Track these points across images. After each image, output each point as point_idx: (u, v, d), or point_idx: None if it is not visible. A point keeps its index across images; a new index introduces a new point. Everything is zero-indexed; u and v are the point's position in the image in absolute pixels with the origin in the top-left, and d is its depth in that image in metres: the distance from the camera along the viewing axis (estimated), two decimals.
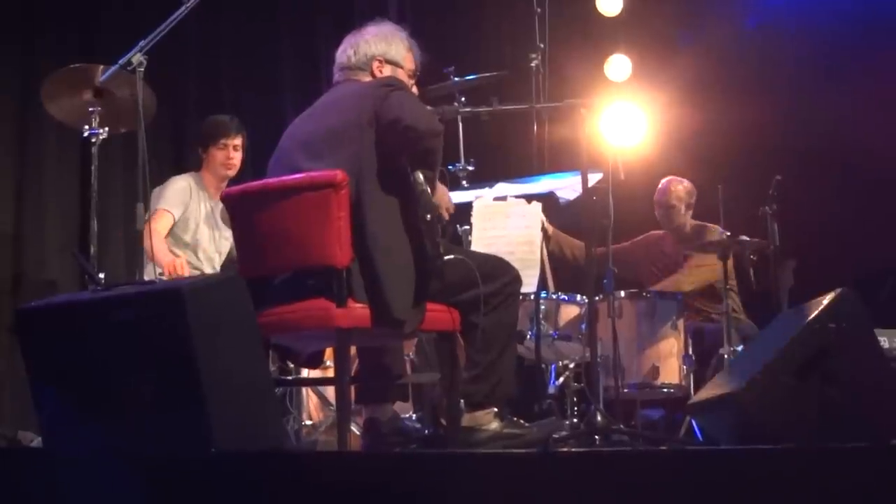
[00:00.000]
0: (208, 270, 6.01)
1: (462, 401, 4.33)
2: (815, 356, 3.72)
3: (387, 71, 4.47)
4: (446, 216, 4.31)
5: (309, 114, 4.45)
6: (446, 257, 4.17)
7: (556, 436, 4.36)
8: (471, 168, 6.02)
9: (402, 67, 4.51)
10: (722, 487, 2.83)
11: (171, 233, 5.97)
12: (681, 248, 6.91)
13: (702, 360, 6.32)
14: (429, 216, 4.09)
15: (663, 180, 7.10)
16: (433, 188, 4.23)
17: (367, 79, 4.45)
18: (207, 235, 6.03)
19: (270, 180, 4.26)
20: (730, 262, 6.36)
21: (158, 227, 5.86)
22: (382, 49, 4.50)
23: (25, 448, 5.16)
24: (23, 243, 6.66)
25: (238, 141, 6.15)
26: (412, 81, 4.57)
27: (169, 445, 3.38)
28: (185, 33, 6.51)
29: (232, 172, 6.15)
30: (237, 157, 6.16)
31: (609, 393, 5.83)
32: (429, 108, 4.71)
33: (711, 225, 6.92)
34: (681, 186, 7.05)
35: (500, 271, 4.38)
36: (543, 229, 5.36)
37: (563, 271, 6.22)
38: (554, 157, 6.01)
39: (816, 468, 2.84)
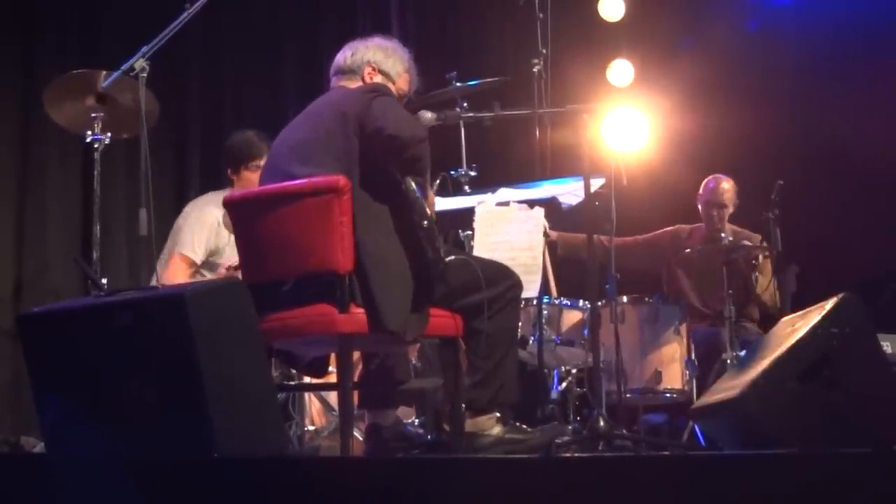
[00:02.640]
0: None
1: (464, 406, 4.33)
2: (817, 361, 3.72)
3: (377, 79, 4.46)
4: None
5: (297, 121, 4.44)
6: (448, 259, 4.17)
7: (558, 441, 4.36)
8: (473, 173, 6.02)
9: (393, 83, 4.50)
10: (725, 493, 2.83)
11: (208, 263, 5.90)
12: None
13: (704, 365, 6.32)
14: (425, 223, 4.09)
15: (710, 179, 7.07)
16: (426, 194, 4.23)
17: (357, 84, 4.44)
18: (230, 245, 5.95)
19: (272, 186, 4.26)
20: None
21: (177, 278, 5.70)
22: (379, 58, 4.50)
23: (28, 454, 5.17)
24: (25, 249, 6.66)
25: None
26: (402, 103, 4.54)
27: (171, 450, 3.38)
28: (188, 39, 6.52)
29: None
30: None
31: (612, 398, 5.83)
32: (427, 113, 4.71)
33: (754, 235, 6.89)
34: (729, 185, 7.03)
35: (501, 276, 4.38)
36: (546, 235, 5.36)
37: (571, 272, 6.21)
38: (556, 163, 6.01)
39: (819, 473, 2.84)
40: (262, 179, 4.39)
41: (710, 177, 7.10)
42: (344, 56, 4.52)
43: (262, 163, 5.81)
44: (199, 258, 5.81)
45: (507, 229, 5.26)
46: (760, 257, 6.69)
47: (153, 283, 5.63)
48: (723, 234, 6.70)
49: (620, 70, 8.20)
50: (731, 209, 7.02)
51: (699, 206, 7.09)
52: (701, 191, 7.10)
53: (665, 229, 7.23)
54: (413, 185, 4.12)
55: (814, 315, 3.87)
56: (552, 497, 2.90)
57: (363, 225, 4.05)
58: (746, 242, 6.58)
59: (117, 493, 3.14)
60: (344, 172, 4.07)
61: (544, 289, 5.49)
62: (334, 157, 4.13)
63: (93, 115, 5.43)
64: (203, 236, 5.82)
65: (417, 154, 4.15)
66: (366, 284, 4.01)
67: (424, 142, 4.19)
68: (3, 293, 6.52)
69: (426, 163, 4.20)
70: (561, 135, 5.75)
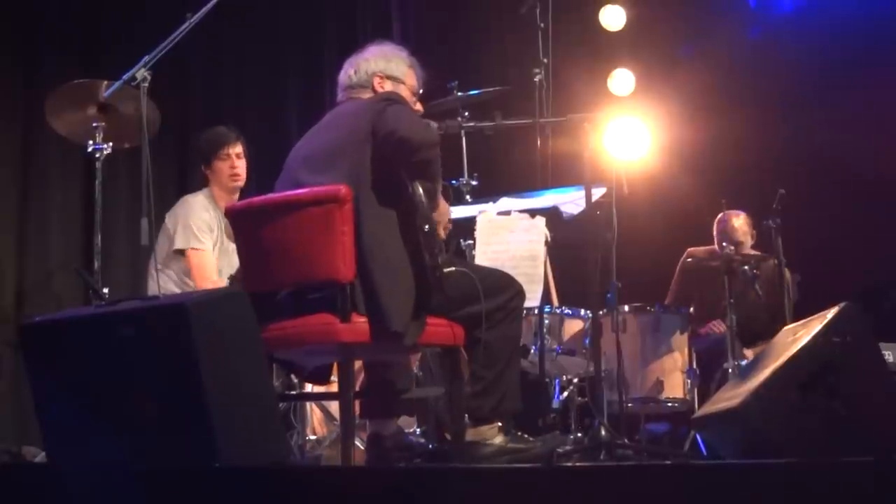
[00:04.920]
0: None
1: (466, 415, 4.33)
2: (819, 370, 3.73)
3: (388, 86, 4.49)
4: (443, 234, 4.31)
5: (312, 132, 4.48)
6: (447, 270, 4.17)
7: (560, 450, 4.36)
8: (474, 183, 6.03)
9: (403, 84, 4.53)
10: (726, 502, 2.83)
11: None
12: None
13: (706, 375, 6.32)
14: (427, 227, 4.09)
15: (721, 215, 7.08)
16: (436, 201, 4.24)
17: (369, 95, 4.47)
18: (223, 251, 5.99)
19: (274, 195, 4.27)
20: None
21: (207, 270, 5.77)
22: (382, 66, 4.53)
23: (29, 463, 5.16)
24: (27, 259, 6.66)
25: (239, 149, 6.00)
26: (415, 99, 4.58)
27: (173, 460, 3.37)
28: (189, 49, 6.52)
29: (240, 183, 5.99)
30: (241, 166, 5.99)
31: (613, 407, 5.82)
32: (432, 122, 4.72)
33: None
34: (741, 220, 7.02)
35: (503, 286, 4.38)
36: (546, 244, 5.36)
37: (572, 281, 6.20)
38: (557, 172, 6.01)
39: (820, 482, 2.84)
40: (276, 189, 4.40)
41: (722, 213, 7.10)
42: (348, 74, 4.55)
43: (232, 150, 5.92)
44: (210, 244, 5.87)
45: (509, 238, 5.27)
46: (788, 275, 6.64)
47: (152, 291, 5.63)
48: (724, 244, 6.70)
49: (621, 79, 8.22)
50: (749, 242, 7.01)
51: (715, 241, 7.09)
52: (715, 227, 7.11)
53: (679, 267, 7.21)
54: (420, 189, 4.12)
55: (815, 324, 3.87)
56: None
57: (372, 229, 4.06)
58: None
59: (118, 502, 3.14)
60: (354, 180, 4.08)
61: (545, 298, 5.50)
62: (345, 166, 4.14)
63: (94, 124, 5.44)
64: (205, 226, 5.89)
65: (429, 157, 4.17)
66: (372, 287, 4.02)
67: (436, 147, 4.21)
68: (4, 302, 6.52)
69: (437, 167, 4.22)
70: (562, 144, 5.75)
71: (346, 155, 4.18)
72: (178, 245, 5.79)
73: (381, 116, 4.18)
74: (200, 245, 5.82)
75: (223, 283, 5.79)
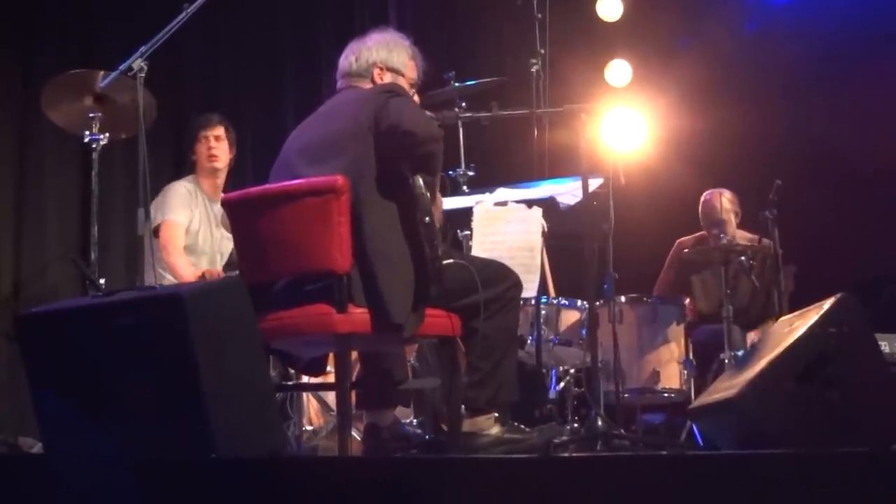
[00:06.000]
0: None
1: (463, 406, 4.33)
2: (815, 361, 3.73)
3: (387, 78, 4.48)
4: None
5: (310, 121, 4.47)
6: (446, 261, 4.17)
7: (556, 441, 4.36)
8: (471, 173, 6.03)
9: (402, 75, 4.52)
10: (722, 492, 2.83)
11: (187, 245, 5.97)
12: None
13: (702, 365, 6.33)
14: (427, 219, 4.09)
15: (705, 195, 7.06)
16: (434, 193, 4.24)
17: (368, 86, 4.46)
18: (208, 237, 6.01)
19: (271, 185, 4.26)
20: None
21: (174, 241, 5.83)
22: (384, 56, 4.51)
23: (26, 454, 5.16)
24: (23, 249, 6.66)
25: (218, 132, 6.05)
26: (413, 91, 4.57)
27: (169, 450, 3.38)
28: (186, 39, 6.51)
29: (217, 164, 6.07)
30: (219, 148, 6.07)
31: (610, 398, 5.83)
32: (429, 113, 4.72)
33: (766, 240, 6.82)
34: (725, 198, 6.99)
35: (500, 276, 4.38)
36: (543, 235, 5.36)
37: (569, 272, 6.21)
38: (554, 163, 6.01)
39: (817, 473, 2.84)
40: (271, 177, 4.40)
41: (707, 192, 7.07)
42: (349, 61, 4.53)
43: (210, 133, 6.04)
44: (184, 218, 5.93)
45: (506, 229, 5.26)
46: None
47: (149, 281, 5.63)
48: (721, 235, 6.70)
49: (618, 70, 8.22)
50: (734, 221, 6.99)
51: (701, 221, 7.08)
52: (700, 207, 7.09)
53: (670, 255, 7.22)
54: (420, 181, 4.12)
55: (811, 315, 3.88)
56: (550, 497, 2.90)
57: (373, 221, 4.07)
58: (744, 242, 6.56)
59: (115, 493, 3.14)
60: (355, 172, 4.08)
61: (542, 288, 5.49)
62: (344, 157, 4.14)
63: (90, 115, 5.43)
64: (179, 201, 5.96)
65: (430, 152, 4.16)
66: (372, 279, 4.02)
67: (439, 141, 4.21)
68: (1, 293, 6.51)
69: (439, 161, 4.21)
70: (559, 135, 5.75)
71: (346, 147, 4.17)
72: (155, 222, 5.78)
73: (383, 108, 4.17)
74: (172, 216, 5.84)
75: (191, 262, 5.84)
